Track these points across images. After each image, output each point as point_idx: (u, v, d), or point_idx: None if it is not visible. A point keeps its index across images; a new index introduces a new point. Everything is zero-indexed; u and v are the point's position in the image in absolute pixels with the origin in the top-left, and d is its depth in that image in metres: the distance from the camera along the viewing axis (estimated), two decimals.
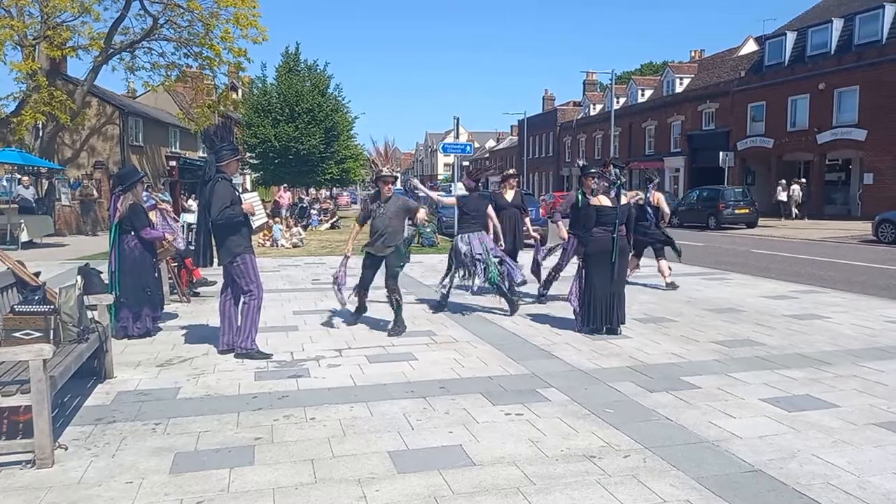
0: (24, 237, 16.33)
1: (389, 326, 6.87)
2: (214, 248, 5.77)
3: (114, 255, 6.51)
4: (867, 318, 7.35)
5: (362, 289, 7.15)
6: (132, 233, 6.49)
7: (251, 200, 6.01)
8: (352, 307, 7.28)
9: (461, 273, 7.89)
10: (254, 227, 5.99)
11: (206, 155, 6.28)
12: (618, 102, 45.76)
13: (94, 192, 22.07)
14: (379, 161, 7.10)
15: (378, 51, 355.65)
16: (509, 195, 8.80)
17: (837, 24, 29.88)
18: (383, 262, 6.89)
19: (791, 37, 32.40)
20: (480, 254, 7.61)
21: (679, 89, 41.94)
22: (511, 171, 9.15)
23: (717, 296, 8.98)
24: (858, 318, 7.35)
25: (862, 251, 15.95)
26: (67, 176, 25.05)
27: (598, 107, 52.50)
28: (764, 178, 32.36)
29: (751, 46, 39.13)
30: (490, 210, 8.21)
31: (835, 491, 3.19)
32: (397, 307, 6.81)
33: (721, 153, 32.29)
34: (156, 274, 6.81)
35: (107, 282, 6.45)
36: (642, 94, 46.79)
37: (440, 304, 8.12)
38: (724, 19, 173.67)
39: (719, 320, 7.35)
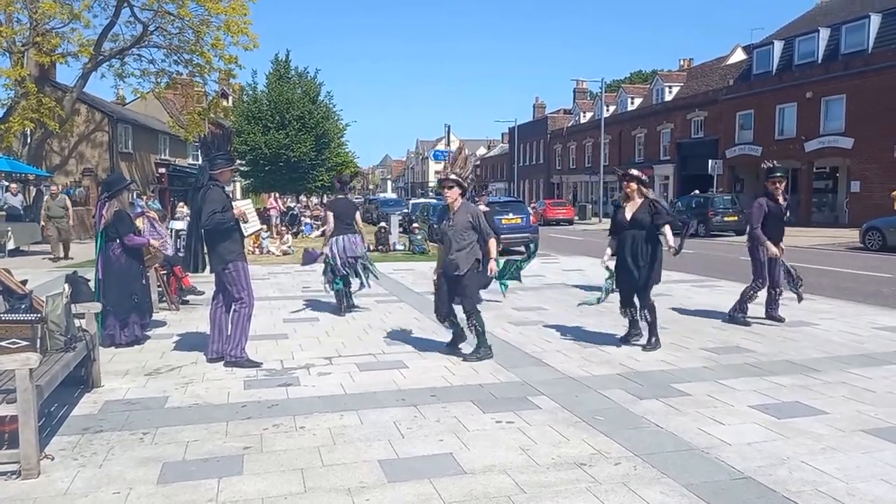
0: (10, 245, 16.19)
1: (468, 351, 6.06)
2: (206, 255, 5.75)
3: (100, 263, 6.47)
4: (855, 325, 7.41)
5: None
6: (118, 240, 6.45)
7: (244, 207, 6.00)
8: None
9: (347, 275, 8.27)
10: (246, 233, 5.96)
11: (196, 162, 6.27)
12: (608, 110, 46.06)
13: (63, 207, 15.73)
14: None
15: (369, 58, 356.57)
16: (630, 209, 6.23)
17: (824, 34, 30.23)
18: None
19: (778, 46, 32.75)
20: (358, 256, 8.19)
21: (668, 98, 42.28)
22: (632, 172, 6.40)
23: (707, 303, 9.02)
24: (846, 325, 7.40)
25: (850, 258, 16.08)
26: (56, 183, 24.91)
27: (588, 115, 52.80)
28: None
29: (739, 55, 39.52)
30: (357, 215, 8.53)
31: (824, 498, 3.20)
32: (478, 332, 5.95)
33: (710, 161, 32.56)
34: (143, 281, 6.76)
35: (94, 289, 6.41)
36: (632, 103, 47.11)
37: (341, 308, 8.29)
38: (712, 29, 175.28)
39: (709, 327, 7.38)
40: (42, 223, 15.85)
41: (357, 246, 8.26)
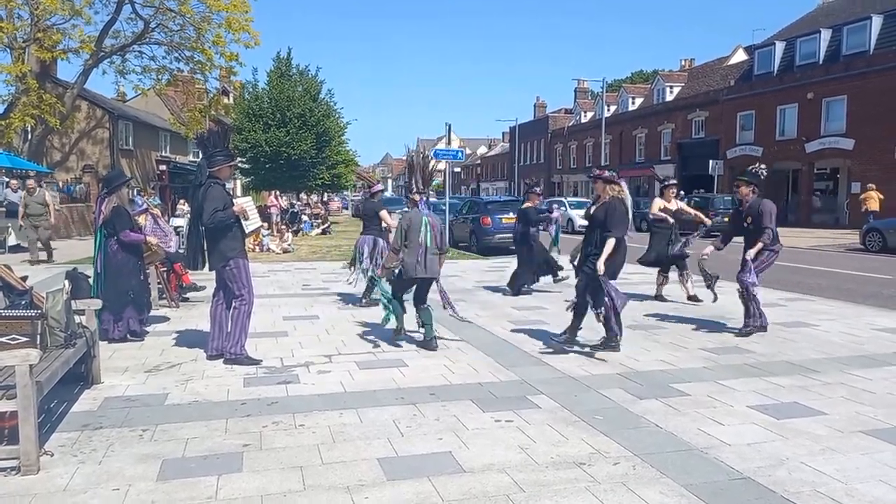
0: (11, 241, 16.21)
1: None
2: (206, 252, 5.76)
3: (99, 258, 6.48)
4: (854, 326, 7.41)
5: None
6: (116, 236, 6.47)
7: (244, 204, 6.00)
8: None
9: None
10: (247, 231, 5.97)
11: (197, 159, 6.30)
12: (608, 110, 46.02)
13: (42, 204, 13.96)
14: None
15: (370, 57, 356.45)
16: (671, 206, 9.13)
17: (825, 35, 30.23)
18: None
19: (780, 47, 32.75)
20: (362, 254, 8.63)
21: (669, 98, 42.26)
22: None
23: (706, 303, 9.01)
24: (846, 326, 7.40)
25: (849, 260, 16.07)
26: (56, 179, 24.90)
27: (589, 114, 52.78)
28: None
29: (740, 56, 39.51)
30: (382, 213, 8.70)
31: (823, 498, 3.21)
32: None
33: (711, 161, 32.55)
34: (141, 277, 6.77)
35: (92, 285, 6.42)
36: (633, 102, 47.11)
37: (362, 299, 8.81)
38: (713, 29, 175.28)
39: (708, 328, 7.38)
40: (20, 222, 14.09)
41: (361, 246, 8.67)
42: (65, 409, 4.49)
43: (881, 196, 22.75)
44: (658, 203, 9.39)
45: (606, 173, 5.99)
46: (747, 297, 6.90)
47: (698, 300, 8.84)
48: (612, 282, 5.84)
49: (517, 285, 9.82)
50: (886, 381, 5.20)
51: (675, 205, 9.37)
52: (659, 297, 9.32)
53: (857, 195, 27.40)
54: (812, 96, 29.38)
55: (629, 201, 5.90)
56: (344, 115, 38.23)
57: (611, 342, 5.96)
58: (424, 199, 6.45)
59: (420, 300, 6.44)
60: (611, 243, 5.66)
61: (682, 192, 10.30)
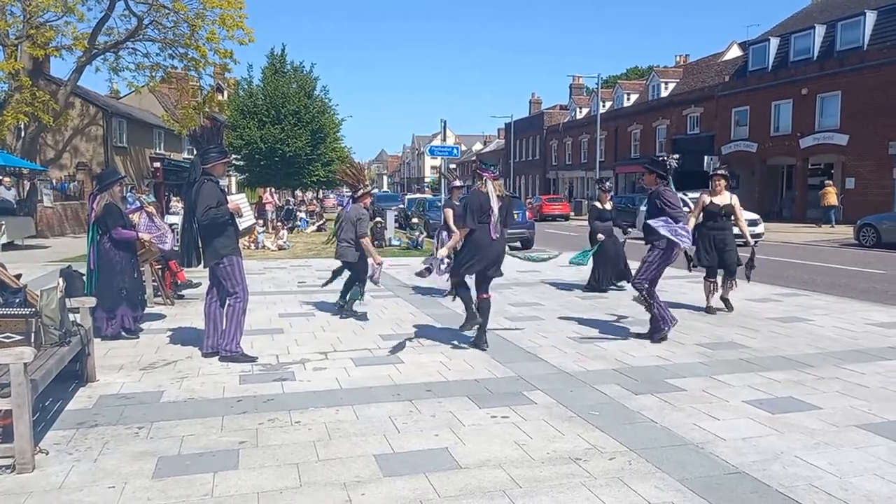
0: (4, 239, 16.13)
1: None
2: (200, 249, 5.74)
3: (92, 255, 6.47)
4: (849, 321, 7.44)
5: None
6: (108, 233, 6.45)
7: (238, 201, 5.99)
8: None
9: None
10: (240, 228, 5.95)
11: (191, 156, 6.29)
12: (604, 106, 46.09)
13: None
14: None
15: (365, 54, 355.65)
16: (720, 199, 7.96)
17: (820, 31, 30.30)
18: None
19: (774, 42, 32.81)
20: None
21: (664, 94, 42.31)
22: (720, 171, 8.13)
23: (701, 298, 9.03)
24: (840, 321, 7.43)
25: (844, 255, 16.13)
26: (50, 177, 24.80)
27: (585, 110, 52.82)
28: (748, 182, 32.68)
29: (735, 52, 39.61)
30: (446, 210, 9.12)
31: (817, 492, 3.22)
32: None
33: (706, 157, 32.59)
34: (135, 274, 6.75)
35: (85, 281, 6.40)
36: (628, 99, 47.16)
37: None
38: (708, 25, 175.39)
39: (703, 323, 7.40)
40: None
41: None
42: (60, 408, 4.48)
43: (838, 192, 26.07)
44: (704, 199, 8.07)
45: (482, 166, 6.34)
46: (647, 300, 6.47)
47: (713, 311, 7.97)
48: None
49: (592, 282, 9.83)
50: (880, 376, 5.23)
51: (725, 198, 7.98)
52: (710, 310, 7.97)
53: (851, 190, 27.55)
54: (806, 92, 29.45)
55: (491, 193, 6.02)
56: (339, 111, 38.23)
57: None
58: (348, 197, 7.94)
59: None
60: (461, 232, 6.21)
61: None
